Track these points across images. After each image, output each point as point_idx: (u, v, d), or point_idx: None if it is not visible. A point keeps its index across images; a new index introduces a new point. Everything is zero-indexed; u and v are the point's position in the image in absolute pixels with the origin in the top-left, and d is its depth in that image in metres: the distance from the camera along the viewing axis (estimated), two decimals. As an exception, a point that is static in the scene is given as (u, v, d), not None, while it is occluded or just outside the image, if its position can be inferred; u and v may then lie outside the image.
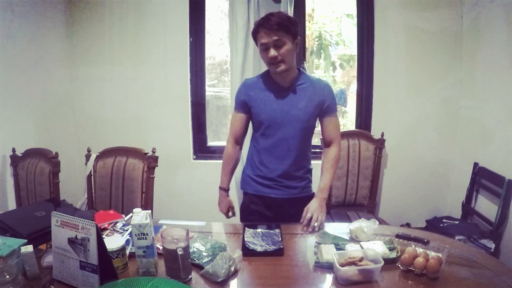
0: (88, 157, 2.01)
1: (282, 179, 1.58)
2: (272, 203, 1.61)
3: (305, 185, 1.64)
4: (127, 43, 2.67)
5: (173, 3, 2.61)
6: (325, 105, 1.55)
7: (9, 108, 2.16)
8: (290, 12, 2.42)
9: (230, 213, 1.69)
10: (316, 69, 3.65)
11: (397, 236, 1.40)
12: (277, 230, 1.43)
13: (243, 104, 1.58)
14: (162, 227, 1.41)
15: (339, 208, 2.50)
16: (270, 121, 1.52)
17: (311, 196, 1.65)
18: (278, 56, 1.41)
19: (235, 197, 2.58)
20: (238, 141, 1.66)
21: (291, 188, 1.59)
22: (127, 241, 1.25)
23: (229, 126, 1.68)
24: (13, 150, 2.12)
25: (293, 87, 1.53)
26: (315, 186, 1.66)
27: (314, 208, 1.48)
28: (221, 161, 1.68)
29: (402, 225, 2.62)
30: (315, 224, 1.44)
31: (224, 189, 1.67)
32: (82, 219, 1.04)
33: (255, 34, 1.47)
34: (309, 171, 1.67)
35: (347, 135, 2.49)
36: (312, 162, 1.70)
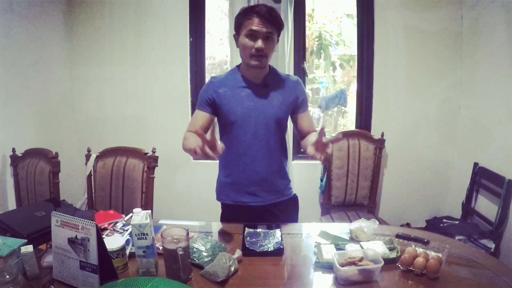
0: (88, 157, 2.01)
1: (261, 184, 1.47)
2: (252, 212, 1.50)
3: (285, 188, 1.54)
4: (127, 43, 2.67)
5: (173, 3, 2.61)
6: (299, 101, 1.49)
7: (9, 108, 2.16)
8: (290, 12, 2.42)
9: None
10: (316, 69, 3.66)
11: (397, 236, 1.40)
12: (277, 230, 1.43)
13: (210, 102, 1.43)
14: (162, 227, 1.41)
15: (339, 208, 2.50)
16: (244, 120, 1.41)
17: (292, 198, 1.58)
18: (264, 49, 1.32)
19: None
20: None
21: (271, 193, 1.50)
22: (127, 241, 1.25)
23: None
24: (13, 150, 2.12)
25: (266, 84, 1.44)
26: (300, 189, 1.62)
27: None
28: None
29: (402, 225, 2.62)
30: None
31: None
32: (82, 219, 1.04)
33: (242, 19, 1.34)
34: (287, 171, 1.57)
35: (347, 135, 2.49)
36: (297, 162, 1.62)
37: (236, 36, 1.40)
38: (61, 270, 1.11)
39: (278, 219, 1.51)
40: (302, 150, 2.38)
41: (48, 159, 1.96)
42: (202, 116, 1.44)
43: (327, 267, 1.18)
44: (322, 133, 1.18)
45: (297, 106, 1.49)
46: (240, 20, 1.35)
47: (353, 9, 2.84)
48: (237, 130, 1.43)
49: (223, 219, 1.58)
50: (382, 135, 2.51)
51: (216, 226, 1.56)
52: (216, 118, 1.49)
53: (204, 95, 1.45)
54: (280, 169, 1.51)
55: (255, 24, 1.30)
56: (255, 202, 1.49)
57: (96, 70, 2.72)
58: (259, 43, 1.31)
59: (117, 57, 2.69)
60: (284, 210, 1.55)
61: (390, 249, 1.26)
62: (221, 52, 3.17)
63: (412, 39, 2.57)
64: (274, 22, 1.32)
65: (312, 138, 1.30)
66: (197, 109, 1.47)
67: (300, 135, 1.55)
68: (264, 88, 1.44)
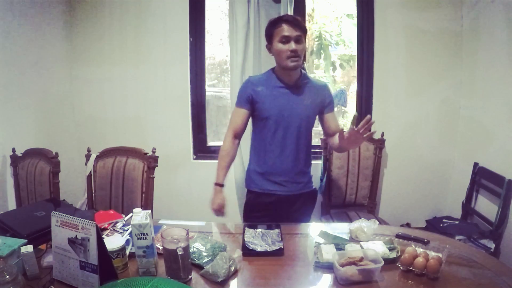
0: (88, 157, 2.01)
1: (288, 175, 1.63)
2: (277, 200, 1.65)
3: (307, 181, 1.70)
4: (127, 43, 2.67)
5: (173, 3, 2.61)
6: (326, 103, 1.64)
7: (9, 108, 2.16)
8: (290, 12, 2.42)
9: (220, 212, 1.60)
10: (316, 69, 3.65)
11: (397, 236, 1.40)
12: (277, 230, 1.43)
13: (249, 100, 1.60)
14: (162, 227, 1.41)
15: (339, 208, 2.50)
16: (278, 117, 1.57)
17: (313, 191, 1.74)
18: (298, 50, 1.49)
19: (233, 197, 2.58)
20: (238, 137, 1.67)
21: (295, 184, 1.65)
22: (127, 241, 1.25)
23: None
24: (13, 150, 2.12)
25: (298, 85, 1.60)
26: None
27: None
28: (220, 161, 1.66)
29: (402, 225, 2.62)
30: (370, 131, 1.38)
31: (220, 185, 1.60)
32: (82, 219, 1.04)
33: (273, 29, 1.52)
34: (310, 166, 1.73)
35: (347, 135, 2.49)
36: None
37: (269, 46, 1.57)
38: (61, 270, 1.11)
39: (298, 209, 1.68)
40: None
41: (48, 159, 1.96)
42: (242, 113, 1.63)
43: (327, 267, 1.19)
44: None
45: (324, 107, 1.65)
46: (272, 31, 1.53)
47: (353, 9, 2.84)
48: (271, 125, 1.59)
49: (248, 205, 1.73)
50: (382, 135, 2.51)
51: (216, 226, 1.57)
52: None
53: (244, 93, 1.62)
54: (305, 164, 1.68)
55: (287, 30, 1.48)
56: (280, 191, 1.65)
57: (96, 70, 2.71)
58: (293, 45, 1.48)
59: (117, 57, 2.69)
60: (305, 201, 1.71)
61: (390, 249, 1.26)
62: (221, 52, 3.16)
63: (412, 39, 2.57)
64: (300, 26, 1.50)
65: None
66: (237, 106, 1.65)
67: (326, 134, 1.72)
68: (297, 89, 1.60)
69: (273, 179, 1.64)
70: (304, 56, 2.76)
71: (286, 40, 1.49)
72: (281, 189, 1.64)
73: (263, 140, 1.63)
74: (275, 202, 1.66)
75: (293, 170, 1.63)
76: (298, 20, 1.51)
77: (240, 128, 1.64)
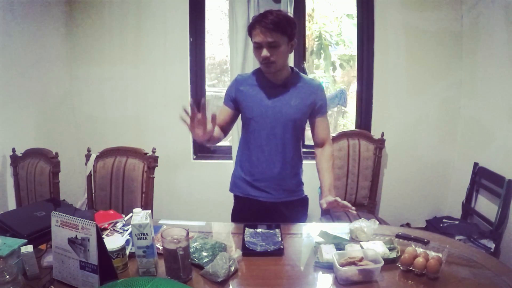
0: (88, 157, 2.01)
1: (273, 180, 1.51)
2: (262, 207, 1.54)
3: (296, 188, 1.58)
4: (127, 43, 2.67)
5: (173, 3, 2.61)
6: (317, 105, 1.50)
7: (9, 108, 2.16)
8: (290, 12, 2.42)
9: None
10: (316, 69, 3.65)
11: (397, 236, 1.40)
12: (277, 230, 1.43)
13: (232, 99, 1.53)
14: (162, 227, 1.41)
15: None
16: (261, 118, 1.47)
17: (303, 199, 1.62)
18: (271, 57, 1.36)
19: (232, 198, 2.57)
20: (223, 131, 1.56)
21: (281, 191, 1.53)
22: (127, 241, 1.25)
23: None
24: (13, 150, 2.12)
25: (286, 85, 1.48)
26: (307, 188, 1.64)
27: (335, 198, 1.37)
28: (221, 161, 1.65)
29: (402, 225, 2.62)
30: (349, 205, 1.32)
31: None
32: (82, 219, 1.04)
33: (250, 29, 1.39)
34: (301, 172, 1.61)
35: (347, 135, 2.49)
36: (305, 162, 1.62)
37: None
38: (61, 270, 1.11)
39: (286, 217, 1.55)
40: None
41: (48, 159, 1.96)
42: (225, 110, 1.55)
43: (327, 267, 1.18)
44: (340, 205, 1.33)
45: (315, 110, 1.51)
46: (249, 31, 1.41)
47: (353, 9, 2.84)
48: (254, 126, 1.49)
49: (235, 211, 1.64)
50: (382, 135, 2.51)
51: (216, 226, 1.57)
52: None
53: (228, 91, 1.56)
54: (293, 169, 1.55)
55: (259, 35, 1.35)
56: (264, 198, 1.53)
57: (96, 70, 2.72)
58: (264, 53, 1.36)
59: (117, 57, 2.69)
60: (293, 209, 1.58)
61: (390, 249, 1.26)
62: (221, 52, 3.17)
63: (412, 39, 2.57)
64: (277, 30, 1.33)
65: (328, 197, 1.40)
66: (223, 103, 1.57)
67: (315, 141, 1.58)
68: (283, 89, 1.48)
69: (256, 184, 1.52)
70: (304, 56, 2.78)
71: (258, 45, 1.37)
72: (265, 195, 1.52)
73: (247, 143, 1.53)
74: (260, 209, 1.54)
75: (279, 175, 1.50)
76: (271, 22, 1.31)
77: (222, 124, 1.54)
